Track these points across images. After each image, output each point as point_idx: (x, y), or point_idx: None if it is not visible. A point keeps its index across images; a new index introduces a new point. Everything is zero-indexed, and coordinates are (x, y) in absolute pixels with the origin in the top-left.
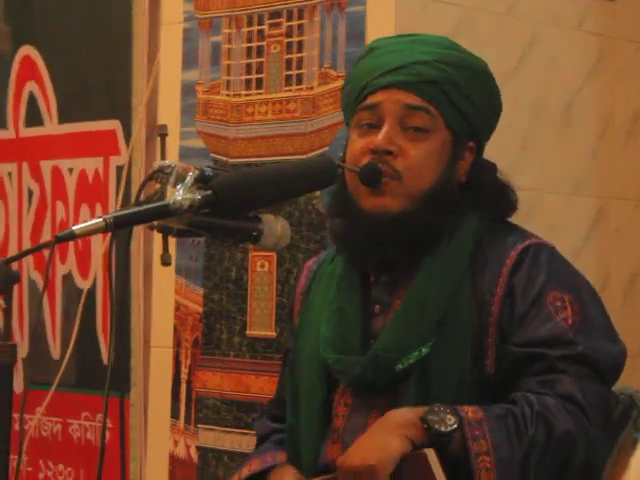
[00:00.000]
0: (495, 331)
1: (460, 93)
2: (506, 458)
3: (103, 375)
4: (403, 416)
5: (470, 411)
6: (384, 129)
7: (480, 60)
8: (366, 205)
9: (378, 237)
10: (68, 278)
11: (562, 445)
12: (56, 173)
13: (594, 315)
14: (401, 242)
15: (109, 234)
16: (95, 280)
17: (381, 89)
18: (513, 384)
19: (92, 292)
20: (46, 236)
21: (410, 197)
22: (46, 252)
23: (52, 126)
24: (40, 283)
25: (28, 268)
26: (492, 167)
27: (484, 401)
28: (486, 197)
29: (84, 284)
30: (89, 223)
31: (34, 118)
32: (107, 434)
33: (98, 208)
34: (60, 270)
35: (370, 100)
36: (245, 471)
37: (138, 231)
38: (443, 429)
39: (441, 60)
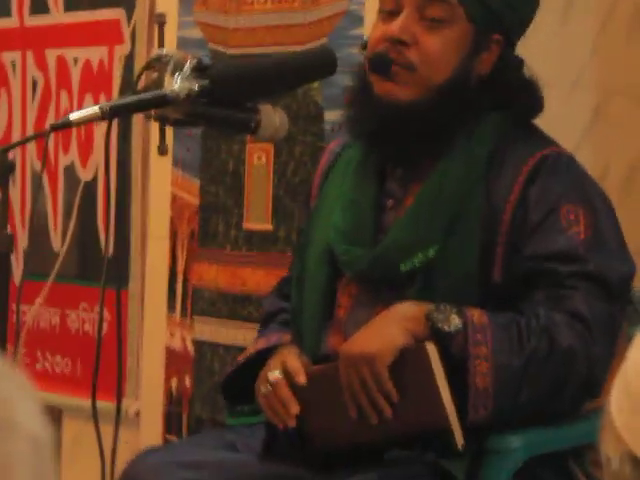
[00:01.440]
0: (505, 240)
1: None
2: (504, 366)
3: (102, 266)
4: (408, 310)
5: (476, 314)
6: (400, 18)
7: None
8: (378, 90)
9: (388, 126)
10: (70, 169)
11: (563, 360)
12: (61, 62)
13: (607, 231)
14: (413, 134)
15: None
16: (96, 171)
17: None
18: (520, 295)
19: (93, 183)
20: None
21: (422, 87)
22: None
23: (58, 15)
24: (42, 174)
25: (32, 159)
26: (519, 62)
27: (489, 308)
28: (509, 93)
29: (85, 175)
30: (85, 111)
31: (39, 6)
32: (104, 326)
33: (102, 98)
34: (62, 161)
35: None
36: (251, 350)
37: (137, 121)
38: (446, 328)
39: None
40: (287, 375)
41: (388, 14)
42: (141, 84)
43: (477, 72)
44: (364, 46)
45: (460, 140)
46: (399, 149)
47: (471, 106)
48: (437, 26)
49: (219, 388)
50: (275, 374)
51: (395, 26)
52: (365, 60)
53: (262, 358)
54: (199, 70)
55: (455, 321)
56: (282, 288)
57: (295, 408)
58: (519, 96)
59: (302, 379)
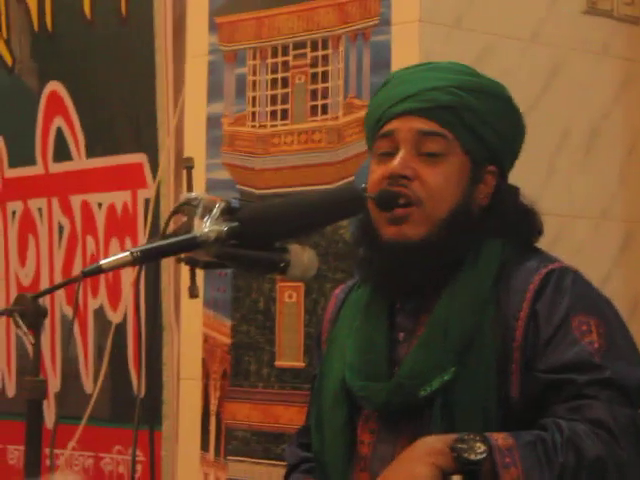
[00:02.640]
0: (519, 356)
1: (477, 117)
2: None
3: (135, 408)
4: (432, 444)
5: (500, 438)
6: (399, 155)
7: (499, 85)
8: (387, 234)
9: (400, 266)
10: (99, 312)
11: (593, 471)
12: (85, 208)
13: (620, 339)
14: (424, 269)
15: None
16: (126, 313)
17: (396, 117)
18: (540, 410)
19: (123, 325)
20: (77, 271)
21: (431, 223)
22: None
23: (80, 161)
24: (72, 318)
25: (60, 304)
26: (515, 191)
27: (510, 426)
28: (509, 221)
29: (115, 317)
30: (116, 257)
31: (62, 153)
32: (139, 467)
33: (128, 241)
34: (92, 304)
35: (386, 128)
36: None
37: (169, 264)
38: (473, 457)
39: (456, 85)
40: None
41: (384, 156)
42: (170, 228)
43: (477, 202)
44: (365, 190)
45: (465, 266)
46: (409, 285)
47: (476, 235)
48: (435, 160)
49: None
50: None
51: (395, 163)
52: (370, 201)
53: None
54: (228, 213)
55: (480, 449)
56: (300, 438)
57: None
58: (519, 223)
59: None
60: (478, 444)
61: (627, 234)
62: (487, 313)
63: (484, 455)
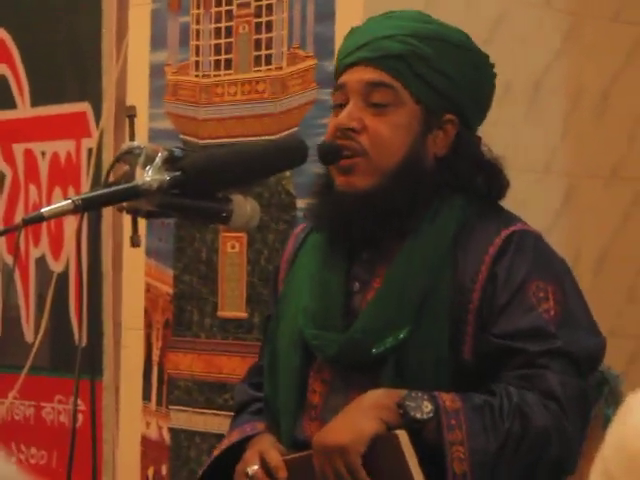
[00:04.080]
0: (474, 319)
1: (428, 65)
2: (480, 449)
3: (76, 358)
4: (379, 399)
5: (448, 400)
6: (347, 107)
7: (458, 32)
8: (337, 184)
9: (350, 214)
10: (41, 261)
11: (537, 440)
12: (29, 156)
13: (576, 307)
14: (375, 218)
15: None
16: (68, 263)
17: (348, 68)
18: (492, 373)
19: (65, 275)
20: (19, 220)
21: (379, 174)
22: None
23: (24, 109)
24: (13, 266)
25: (1, 251)
26: (475, 142)
27: (461, 387)
28: (466, 174)
29: (57, 267)
30: (57, 205)
31: (6, 101)
32: (80, 417)
33: (71, 191)
34: (33, 253)
35: (340, 80)
36: (226, 442)
37: (108, 213)
38: (419, 416)
39: (409, 34)
40: (266, 468)
41: (338, 108)
42: (112, 176)
43: (432, 152)
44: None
45: (424, 221)
46: (363, 234)
47: (430, 187)
48: (383, 111)
49: None
50: (254, 469)
51: (342, 116)
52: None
53: (237, 450)
54: (170, 162)
55: (427, 408)
56: (252, 377)
57: None
58: (479, 176)
59: (283, 474)
60: (426, 403)
61: (569, 188)
62: (444, 273)
63: (431, 415)
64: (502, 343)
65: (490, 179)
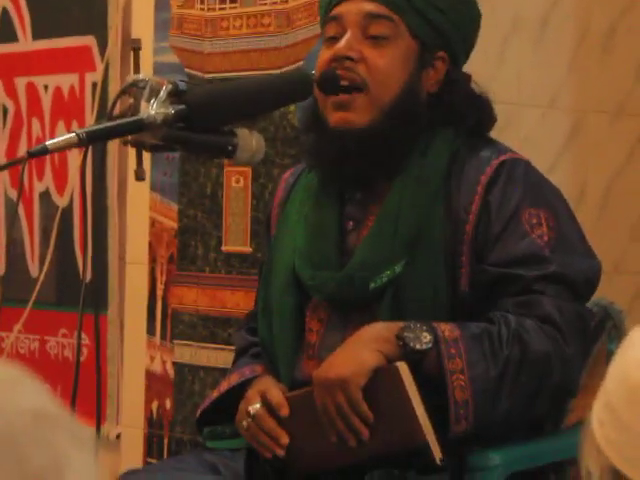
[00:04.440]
0: (470, 249)
1: (426, 0)
2: (480, 377)
3: (81, 292)
4: (378, 331)
5: (447, 329)
6: (345, 37)
7: None
8: (332, 120)
9: (346, 153)
10: (45, 195)
11: (537, 365)
12: (31, 90)
13: (569, 231)
14: (370, 157)
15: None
16: (72, 197)
17: (344, 0)
18: (489, 303)
19: (69, 209)
20: (22, 153)
21: (376, 109)
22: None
23: (26, 42)
24: (17, 200)
25: (5, 186)
26: (466, 78)
27: (459, 319)
28: (459, 108)
29: (61, 201)
30: (62, 138)
31: (7, 34)
32: (84, 351)
33: (75, 125)
34: (37, 187)
35: (335, 11)
36: (225, 385)
37: (113, 148)
38: (418, 347)
39: None
40: (268, 406)
41: (332, 40)
42: (117, 110)
43: (425, 89)
44: (313, 76)
45: (415, 157)
46: (357, 174)
47: (423, 123)
48: (382, 43)
49: (195, 423)
50: (256, 407)
51: (341, 45)
52: (315, 84)
53: (237, 393)
54: (175, 95)
55: (426, 338)
56: (250, 323)
57: (285, 439)
58: (469, 111)
59: (285, 411)
60: (424, 334)
61: (575, 123)
62: (438, 205)
63: (429, 345)
64: (497, 271)
65: (480, 114)
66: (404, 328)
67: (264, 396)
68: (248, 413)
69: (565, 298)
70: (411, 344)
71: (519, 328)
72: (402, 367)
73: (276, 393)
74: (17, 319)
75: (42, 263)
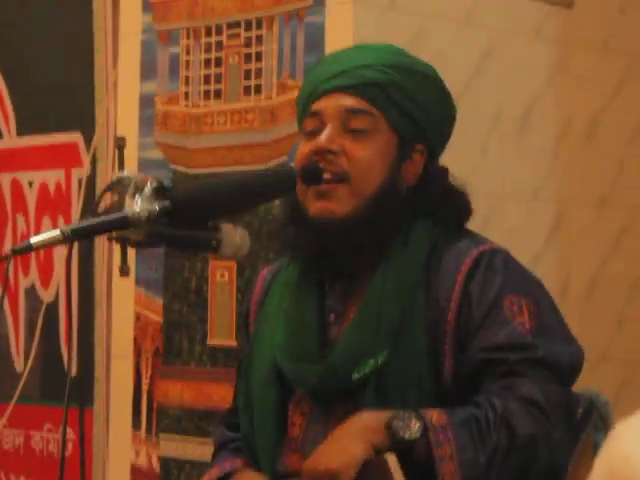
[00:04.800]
0: (452, 339)
1: (404, 95)
2: (470, 462)
3: (66, 386)
4: (366, 422)
5: (434, 415)
6: (326, 131)
7: (427, 66)
8: (312, 210)
9: (326, 243)
10: (31, 290)
11: (525, 449)
12: (15, 186)
13: (550, 318)
14: (350, 247)
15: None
16: (58, 292)
17: (324, 95)
18: (473, 391)
19: (55, 303)
20: (7, 250)
21: (357, 200)
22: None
23: (10, 139)
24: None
25: None
26: (443, 172)
27: (444, 407)
28: (437, 201)
29: (46, 296)
30: (46, 235)
31: None
32: (69, 446)
33: (61, 220)
34: (23, 283)
35: (314, 107)
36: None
37: (102, 243)
38: (407, 436)
39: (385, 64)
40: None
41: (311, 134)
42: (102, 207)
43: (405, 182)
44: (293, 168)
45: (395, 248)
46: (338, 264)
47: (403, 214)
48: (362, 137)
49: None
50: None
51: (322, 138)
52: (297, 176)
53: None
54: (159, 192)
55: (416, 426)
56: (229, 419)
57: None
58: (447, 204)
59: None
60: (414, 421)
61: (558, 215)
62: (418, 296)
63: (419, 434)
64: (480, 357)
65: (457, 207)
66: (393, 417)
67: None
68: None
69: (549, 382)
70: (400, 433)
71: (505, 412)
72: (390, 459)
73: None
74: (2, 414)
75: (27, 358)
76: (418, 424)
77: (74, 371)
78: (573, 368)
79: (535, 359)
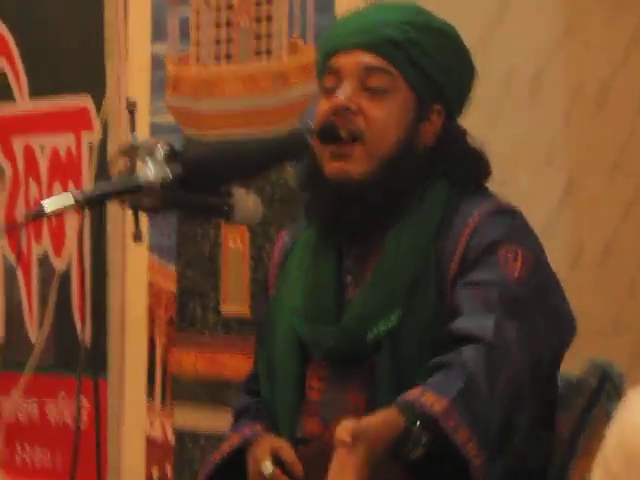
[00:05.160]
0: (452, 289)
1: (424, 54)
2: (485, 437)
3: (80, 356)
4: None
5: (435, 403)
6: (343, 88)
7: (447, 24)
8: (329, 171)
9: (341, 205)
10: (44, 259)
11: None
12: (28, 151)
13: (546, 279)
14: (366, 207)
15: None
16: (70, 260)
17: (343, 52)
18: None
19: (67, 272)
20: (20, 215)
21: (373, 160)
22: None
23: (23, 102)
24: (16, 264)
25: (3, 249)
26: (462, 132)
27: None
28: (454, 162)
29: (59, 264)
30: (60, 201)
31: (4, 94)
32: (84, 417)
33: (71, 186)
34: (36, 251)
35: (333, 63)
36: (226, 447)
37: (117, 211)
38: (420, 449)
39: (404, 21)
40: (279, 464)
41: (330, 91)
42: (113, 171)
43: (422, 141)
44: (312, 131)
45: (410, 208)
46: (354, 224)
47: (419, 175)
48: (380, 95)
49: None
50: (268, 468)
51: (339, 96)
52: (314, 137)
53: (237, 452)
54: (171, 156)
55: (424, 439)
56: (249, 385)
57: None
58: (465, 164)
59: (299, 469)
60: (417, 434)
61: (570, 180)
62: (430, 257)
63: (425, 443)
64: (460, 290)
65: (476, 167)
66: (399, 442)
67: (276, 455)
68: (262, 474)
69: (514, 319)
70: (412, 455)
71: (473, 368)
72: None
73: (288, 451)
74: (16, 384)
75: (40, 327)
76: (424, 438)
77: (88, 341)
78: (556, 334)
79: (507, 299)
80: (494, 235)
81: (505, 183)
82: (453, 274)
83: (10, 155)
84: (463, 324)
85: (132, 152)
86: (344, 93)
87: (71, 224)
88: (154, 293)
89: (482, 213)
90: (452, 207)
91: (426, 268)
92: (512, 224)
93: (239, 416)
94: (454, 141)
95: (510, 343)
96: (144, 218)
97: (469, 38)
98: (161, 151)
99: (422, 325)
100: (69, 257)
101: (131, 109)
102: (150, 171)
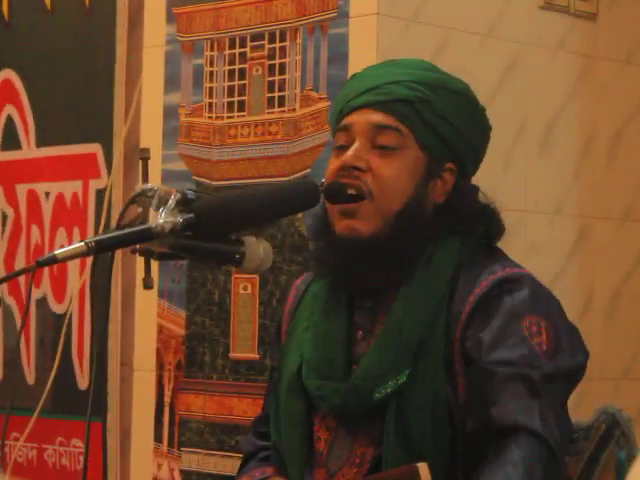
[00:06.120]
0: (459, 356)
1: (434, 113)
2: None
3: (77, 400)
4: None
5: None
6: (353, 147)
7: (460, 82)
8: (338, 229)
9: (352, 262)
10: (43, 302)
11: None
12: (32, 196)
13: (565, 342)
14: (375, 265)
15: (89, 258)
16: (70, 304)
17: (354, 110)
18: (475, 399)
19: (67, 316)
20: (20, 261)
21: (382, 218)
22: (22, 277)
23: (29, 150)
24: (15, 308)
25: (2, 293)
26: (473, 190)
27: (458, 422)
28: (463, 220)
29: (59, 308)
30: (71, 247)
31: (11, 142)
32: (82, 459)
33: (76, 232)
34: (35, 294)
35: (344, 121)
36: None
37: (117, 256)
38: None
39: (415, 80)
40: None
41: (341, 149)
42: (125, 219)
43: (432, 199)
44: (322, 185)
45: (420, 267)
46: (363, 282)
47: (428, 233)
48: (389, 153)
49: None
50: None
51: (348, 154)
52: (323, 194)
53: None
54: (183, 204)
55: None
56: (257, 427)
57: None
58: (476, 222)
59: None
60: None
61: (581, 230)
62: (440, 315)
63: None
64: (490, 368)
65: (487, 225)
66: None
67: None
68: None
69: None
70: None
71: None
72: (422, 468)
73: None
74: (14, 427)
75: (39, 371)
76: None
77: (87, 385)
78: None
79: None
80: (509, 308)
81: (515, 234)
82: (460, 338)
83: (13, 201)
84: (507, 413)
85: (144, 199)
86: (353, 151)
87: (73, 269)
88: (163, 338)
89: (490, 279)
90: (464, 266)
91: (434, 328)
92: (529, 291)
93: (248, 458)
94: (464, 198)
95: (554, 429)
96: (154, 263)
97: (481, 88)
98: (173, 198)
99: (428, 384)
100: (69, 301)
101: (144, 156)
102: (162, 218)
